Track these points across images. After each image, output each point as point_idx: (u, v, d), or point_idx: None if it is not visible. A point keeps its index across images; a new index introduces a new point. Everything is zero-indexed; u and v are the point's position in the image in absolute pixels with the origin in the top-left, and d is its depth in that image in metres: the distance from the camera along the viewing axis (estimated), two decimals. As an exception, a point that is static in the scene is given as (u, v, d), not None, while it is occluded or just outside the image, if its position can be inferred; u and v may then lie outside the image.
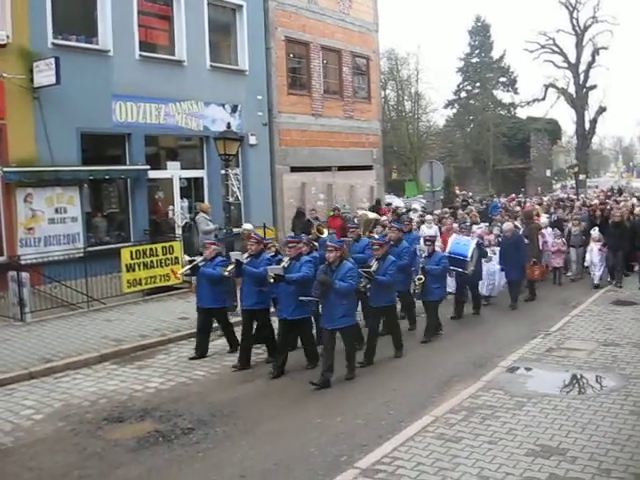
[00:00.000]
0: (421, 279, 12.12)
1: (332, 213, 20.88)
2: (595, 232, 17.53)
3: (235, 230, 16.16)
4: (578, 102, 55.30)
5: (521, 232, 16.33)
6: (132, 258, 15.47)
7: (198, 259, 11.73)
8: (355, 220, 17.80)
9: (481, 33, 59.05)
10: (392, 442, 7.34)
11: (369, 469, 6.63)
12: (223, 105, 19.91)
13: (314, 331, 11.12)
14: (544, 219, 18.87)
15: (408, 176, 50.68)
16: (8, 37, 14.41)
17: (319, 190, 23.75)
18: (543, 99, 57.65)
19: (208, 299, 11.40)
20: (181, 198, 19.00)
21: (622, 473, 6.36)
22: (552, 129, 55.71)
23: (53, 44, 15.38)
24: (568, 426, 7.61)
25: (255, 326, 11.11)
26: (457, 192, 36.53)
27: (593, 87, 56.25)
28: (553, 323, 12.88)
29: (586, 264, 17.60)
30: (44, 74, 14.67)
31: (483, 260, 14.81)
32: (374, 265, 10.80)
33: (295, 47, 23.18)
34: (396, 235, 12.80)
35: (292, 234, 15.66)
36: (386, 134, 37.64)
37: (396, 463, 6.74)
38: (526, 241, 15.99)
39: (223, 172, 16.29)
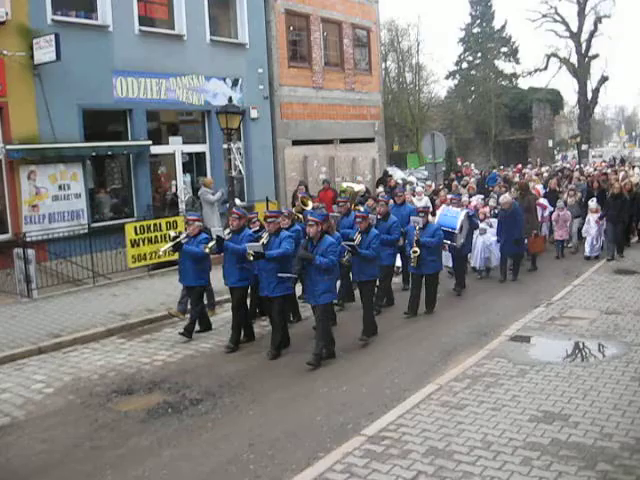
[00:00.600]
0: (416, 252, 11.84)
1: (323, 186, 20.34)
2: (593, 203, 17.27)
3: (238, 203, 16.20)
4: (580, 72, 54.90)
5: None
6: (136, 233, 15.54)
7: (182, 235, 11.37)
8: (342, 194, 17.30)
9: (482, 3, 58.51)
10: (397, 410, 7.47)
11: (375, 436, 6.76)
12: (224, 79, 19.86)
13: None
14: (541, 190, 18.72)
15: (410, 148, 50.59)
16: (7, 14, 14.39)
17: (321, 163, 23.77)
18: (545, 69, 57.27)
19: (190, 277, 11.11)
20: (183, 173, 19.05)
21: (623, 437, 6.48)
22: (554, 99, 55.39)
23: (53, 20, 15.35)
24: (570, 392, 7.73)
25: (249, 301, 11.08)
26: (459, 163, 36.40)
27: (595, 56, 55.83)
28: (555, 292, 13.00)
29: (583, 235, 17.40)
30: (44, 51, 14.68)
31: (477, 232, 14.67)
32: (357, 238, 10.49)
33: (295, 19, 23.08)
34: (385, 209, 12.35)
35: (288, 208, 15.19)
36: (387, 106, 37.56)
37: (402, 430, 6.87)
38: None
39: (225, 146, 16.34)
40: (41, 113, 15.14)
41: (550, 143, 53.94)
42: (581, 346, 9.74)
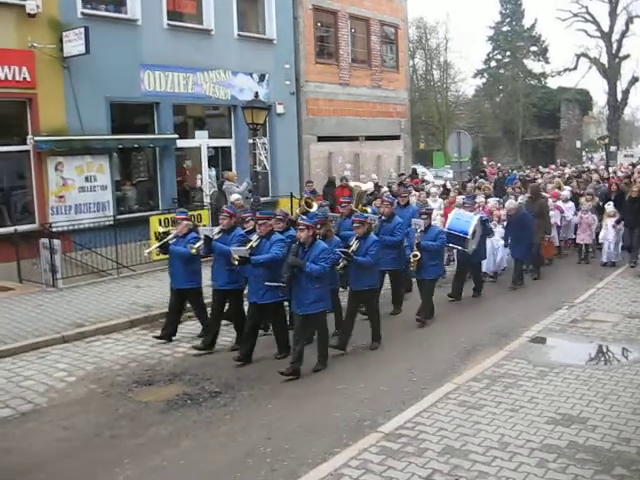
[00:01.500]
0: (416, 256, 11.20)
1: (340, 183, 20.17)
2: (610, 207, 16.45)
3: (262, 199, 16.26)
4: (610, 72, 54.24)
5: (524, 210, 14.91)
6: (161, 226, 15.65)
7: (170, 235, 10.67)
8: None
9: (512, 1, 57.97)
10: (415, 408, 7.48)
11: (392, 433, 6.78)
12: (251, 74, 19.93)
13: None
14: (566, 192, 17.99)
15: (436, 146, 50.40)
16: (38, 7, 14.57)
17: (346, 160, 23.78)
18: (574, 69, 56.62)
19: (180, 279, 10.46)
20: (209, 167, 19.17)
21: (642, 442, 6.45)
22: (583, 99, 54.79)
23: (82, 14, 15.52)
24: (589, 396, 7.69)
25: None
26: (485, 163, 36.18)
27: (626, 57, 55.09)
28: (578, 295, 12.88)
29: (600, 240, 16.52)
30: (74, 44, 14.84)
31: (487, 236, 13.93)
32: (354, 244, 9.85)
33: (323, 15, 23.09)
34: (389, 210, 11.84)
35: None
36: (414, 104, 37.43)
37: (418, 428, 6.89)
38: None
39: (251, 141, 16.37)
40: (69, 105, 15.32)
41: (578, 144, 53.35)
42: (603, 349, 9.68)
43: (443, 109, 49.35)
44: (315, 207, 12.77)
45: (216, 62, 18.77)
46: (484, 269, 14.48)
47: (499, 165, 32.87)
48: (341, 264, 9.65)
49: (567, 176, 23.51)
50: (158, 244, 10.77)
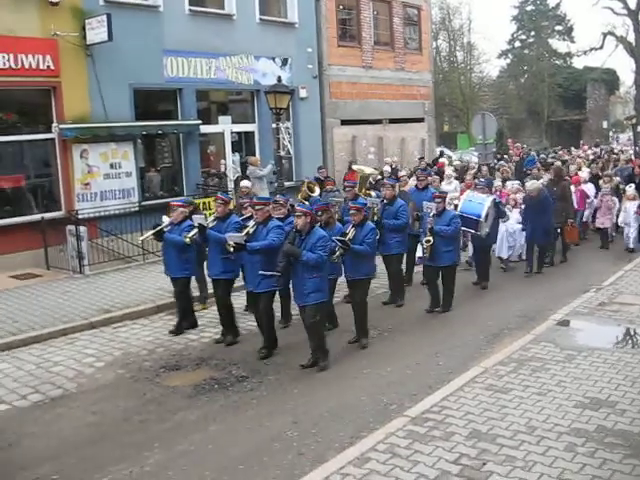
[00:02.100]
0: (429, 241, 10.81)
1: (351, 167, 19.44)
2: (631, 189, 15.59)
3: (286, 184, 16.26)
4: (638, 51, 53.26)
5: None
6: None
7: (165, 222, 10.47)
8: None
9: (536, -20, 57.16)
10: (441, 392, 7.46)
11: (419, 417, 6.77)
12: (273, 58, 19.88)
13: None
14: (584, 173, 17.49)
15: (460, 128, 49.97)
16: (61, -5, 14.61)
17: (369, 143, 23.67)
18: (601, 48, 55.54)
19: (174, 267, 10.31)
20: (232, 152, 19.18)
21: (672, 425, 6.38)
22: (610, 79, 53.93)
23: (105, 1, 15.55)
24: (618, 379, 7.61)
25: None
26: (510, 144, 35.81)
27: (654, 34, 54.08)
28: (606, 277, 12.73)
29: (620, 224, 15.90)
30: (96, 31, 14.90)
31: (500, 220, 13.37)
32: (350, 232, 9.45)
33: (345, -2, 22.91)
34: (390, 193, 11.52)
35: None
36: (438, 86, 37.04)
37: (445, 412, 6.87)
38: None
39: (274, 126, 16.37)
40: (93, 93, 15.39)
41: (605, 124, 52.61)
42: (631, 332, 9.57)
43: (467, 91, 48.85)
44: (317, 192, 12.37)
45: (238, 47, 18.74)
46: (497, 254, 14.08)
47: (524, 146, 32.48)
48: (337, 252, 9.10)
49: (591, 158, 23.15)
50: (152, 231, 10.44)
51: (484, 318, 10.70)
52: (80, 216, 14.55)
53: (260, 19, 19.44)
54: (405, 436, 6.37)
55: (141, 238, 11.62)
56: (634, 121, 45.80)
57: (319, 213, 9.50)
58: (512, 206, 14.55)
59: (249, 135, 19.76)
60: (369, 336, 9.73)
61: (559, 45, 57.83)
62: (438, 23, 48.30)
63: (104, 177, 15.66)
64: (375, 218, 11.03)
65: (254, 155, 19.00)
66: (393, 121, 24.74)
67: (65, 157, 15.07)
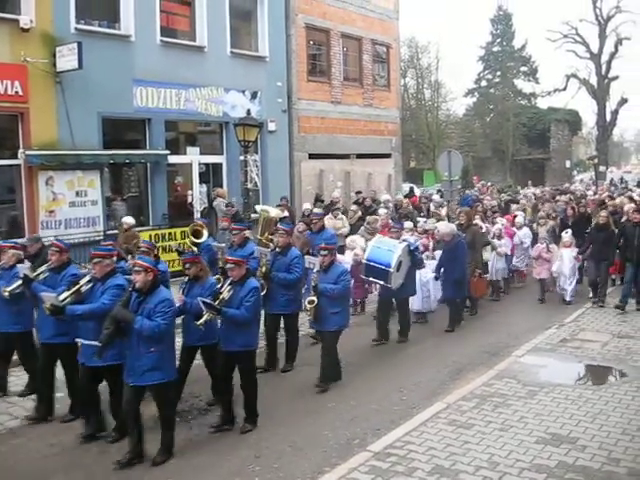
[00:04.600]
0: (312, 302, 9.03)
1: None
2: (567, 235, 14.04)
3: (253, 216, 16.25)
4: (599, 93, 54.67)
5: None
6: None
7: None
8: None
9: (503, 22, 58.50)
10: (404, 427, 7.48)
11: (381, 452, 6.77)
12: (243, 91, 19.99)
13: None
14: (519, 218, 16.02)
15: (427, 165, 50.53)
16: (32, 22, 14.60)
17: (337, 177, 23.81)
18: (564, 89, 57.01)
19: (5, 320, 8.59)
20: (200, 183, 19.17)
21: (631, 463, 6.46)
22: (573, 120, 55.19)
23: (76, 29, 15.57)
24: (579, 415, 7.70)
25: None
26: (475, 182, 36.27)
27: (615, 78, 55.52)
28: (567, 315, 12.88)
29: (553, 274, 14.14)
30: (67, 59, 14.88)
31: (417, 269, 11.76)
32: (225, 291, 7.67)
33: (315, 34, 23.21)
34: (284, 240, 9.86)
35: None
36: (405, 122, 37.55)
37: (408, 447, 6.88)
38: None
39: (242, 158, 16.42)
40: (61, 120, 15.31)
41: (568, 164, 53.68)
42: (592, 369, 9.70)
43: (434, 128, 49.62)
44: (205, 237, 11.09)
45: (208, 79, 18.83)
46: (411, 307, 12.25)
47: (489, 184, 32.86)
48: (204, 317, 7.46)
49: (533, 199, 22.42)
50: None
51: (447, 354, 10.72)
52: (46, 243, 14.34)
53: (231, 52, 19.58)
54: (367, 471, 6.36)
55: None
56: (596, 161, 46.77)
57: (186, 266, 8.19)
58: (428, 253, 13.16)
59: (217, 167, 19.76)
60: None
61: (524, 85, 59.18)
62: (407, 61, 49.15)
63: (69, 205, 15.51)
64: (263, 269, 9.64)
65: (221, 187, 19.00)
66: (360, 156, 24.96)
67: (30, 183, 14.90)
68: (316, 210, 16.09)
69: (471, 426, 7.43)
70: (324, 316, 9.11)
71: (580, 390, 8.64)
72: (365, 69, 25.37)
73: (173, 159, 18.07)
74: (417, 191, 30.87)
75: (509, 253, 15.07)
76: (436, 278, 12.49)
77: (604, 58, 54.84)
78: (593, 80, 55.68)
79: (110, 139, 16.52)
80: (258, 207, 13.88)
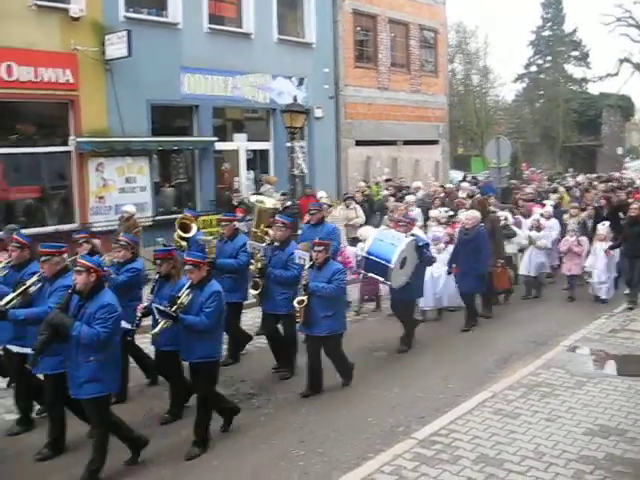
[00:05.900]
0: (302, 302, 8.20)
1: (306, 192, 17.72)
2: (603, 227, 13.06)
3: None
4: (654, 77, 53.32)
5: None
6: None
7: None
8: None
9: (553, 5, 57.34)
10: (449, 415, 7.45)
11: (426, 440, 6.75)
12: (290, 78, 20.00)
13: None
14: (548, 207, 14.98)
15: (474, 151, 49.88)
16: (82, 11, 14.81)
17: (384, 164, 23.71)
18: (616, 74, 55.73)
19: None
20: (247, 170, 19.28)
21: (682, 455, 6.32)
22: (625, 105, 53.86)
23: (125, 17, 15.75)
24: (628, 407, 7.57)
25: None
26: (524, 168, 35.61)
27: (670, 62, 54.12)
28: (618, 304, 12.63)
29: (586, 269, 13.20)
30: (116, 47, 15.07)
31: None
32: (183, 296, 6.88)
33: (362, 20, 23.09)
34: (283, 234, 9.05)
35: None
36: (453, 108, 37.08)
37: (453, 435, 6.85)
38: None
39: (289, 145, 16.44)
40: (111, 107, 15.54)
41: (619, 150, 52.51)
42: (642, 360, 9.51)
43: (482, 114, 48.86)
44: (194, 230, 10.35)
45: (255, 65, 18.88)
46: (421, 305, 11.55)
47: (539, 171, 32.32)
48: (159, 326, 6.85)
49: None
50: None
51: (494, 343, 10.62)
52: (94, 229, 14.61)
53: (278, 38, 19.60)
54: (412, 458, 6.35)
55: None
56: (649, 148, 45.45)
57: (158, 261, 7.48)
58: (447, 242, 12.23)
59: (264, 153, 19.85)
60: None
61: (575, 70, 57.96)
62: (454, 46, 48.47)
63: (119, 191, 15.75)
64: (259, 265, 8.96)
65: (268, 173, 19.08)
66: (407, 143, 24.78)
67: (81, 170, 15.18)
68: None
69: (517, 416, 7.36)
70: (315, 319, 8.25)
71: (629, 381, 8.46)
72: (412, 55, 25.15)
73: (220, 146, 18.20)
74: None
75: (550, 246, 13.83)
76: (449, 272, 11.63)
77: (659, 42, 53.35)
78: (647, 64, 54.26)
79: (158, 126, 16.70)
80: (252, 197, 12.79)
